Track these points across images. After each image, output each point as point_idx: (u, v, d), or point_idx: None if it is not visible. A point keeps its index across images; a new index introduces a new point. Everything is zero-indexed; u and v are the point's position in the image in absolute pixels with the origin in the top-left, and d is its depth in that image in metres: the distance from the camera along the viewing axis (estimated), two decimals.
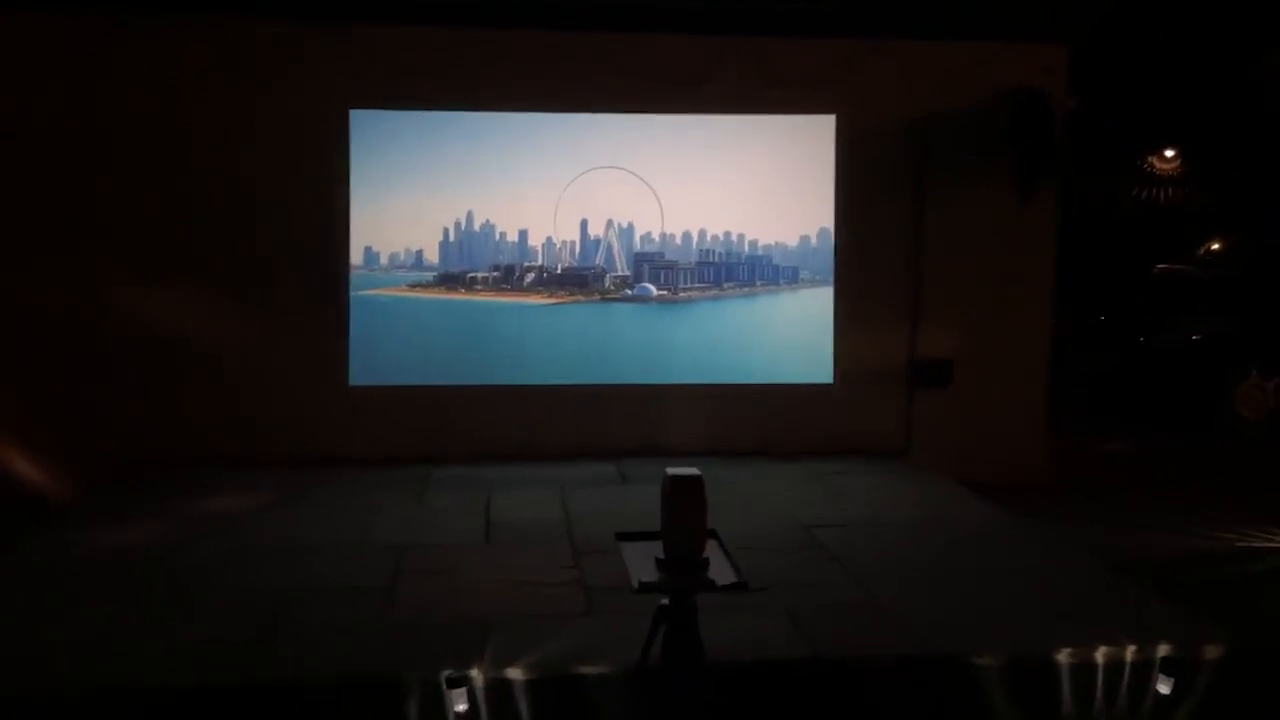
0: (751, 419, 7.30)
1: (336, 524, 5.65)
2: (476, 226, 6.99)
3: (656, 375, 7.19)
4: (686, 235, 7.22)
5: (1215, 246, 11.50)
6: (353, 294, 6.87)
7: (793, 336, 7.42)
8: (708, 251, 7.23)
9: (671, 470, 3.34)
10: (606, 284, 7.16)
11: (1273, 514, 6.63)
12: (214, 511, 5.89)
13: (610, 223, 7.12)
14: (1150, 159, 12.24)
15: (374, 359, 6.95)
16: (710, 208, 7.21)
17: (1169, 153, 12.27)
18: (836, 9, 7.01)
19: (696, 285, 7.24)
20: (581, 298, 7.16)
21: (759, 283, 7.31)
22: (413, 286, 6.95)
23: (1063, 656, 4.01)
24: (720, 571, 3.21)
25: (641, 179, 7.03)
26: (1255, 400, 9.18)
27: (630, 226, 7.16)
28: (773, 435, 7.30)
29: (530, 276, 7.03)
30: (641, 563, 3.28)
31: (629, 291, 7.19)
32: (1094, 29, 7.35)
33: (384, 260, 6.95)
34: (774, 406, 7.33)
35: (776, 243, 7.30)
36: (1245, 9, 11.08)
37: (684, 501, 3.18)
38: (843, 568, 4.98)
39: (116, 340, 6.72)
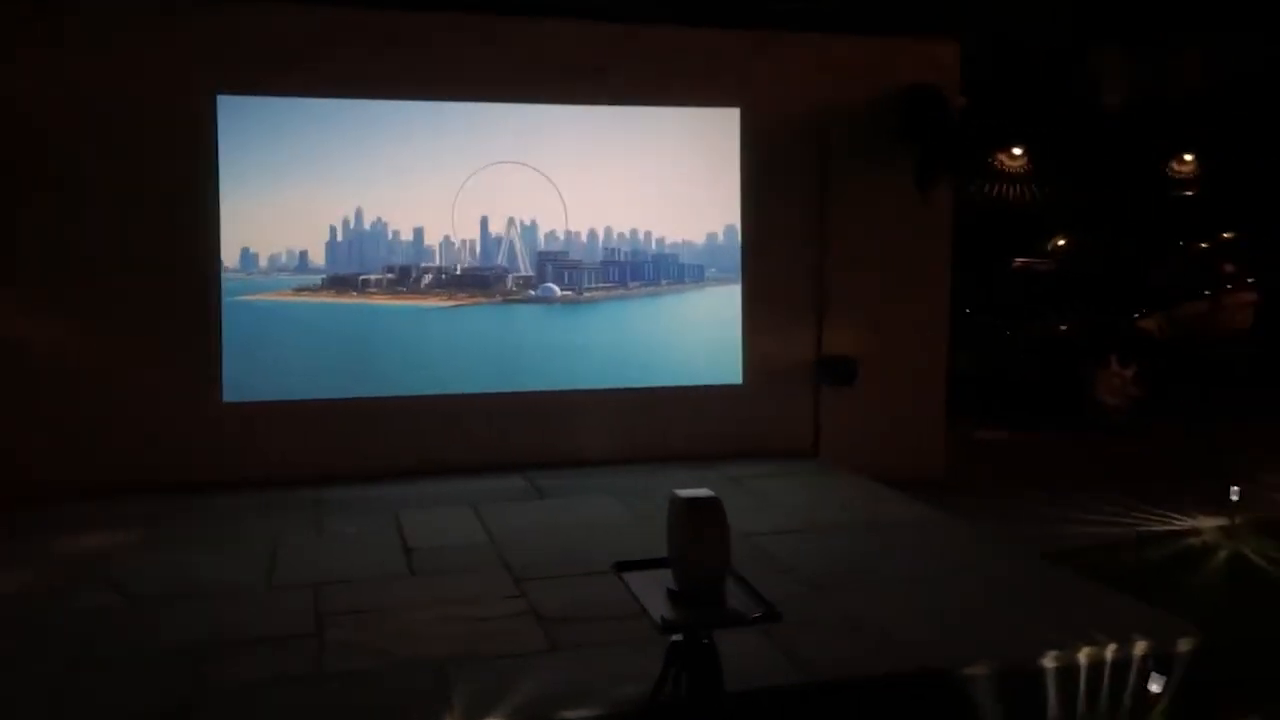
0: (661, 424, 7.04)
1: (233, 561, 5.02)
2: (367, 224, 6.41)
3: (562, 380, 6.82)
4: (591, 233, 6.87)
5: (1061, 243, 11.99)
6: (227, 300, 6.17)
7: (701, 337, 7.20)
8: (613, 250, 6.90)
9: (684, 492, 3.01)
10: (509, 285, 6.73)
11: (1161, 498, 6.86)
12: (85, 551, 5.15)
13: (512, 220, 6.69)
14: (1000, 156, 12.67)
15: (252, 372, 6.29)
16: (615, 204, 6.89)
17: (1016, 150, 12.73)
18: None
19: (602, 285, 6.91)
20: (483, 299, 6.70)
21: (665, 282, 7.04)
22: (298, 291, 6.31)
23: (1049, 661, 3.92)
24: (740, 600, 2.90)
25: (544, 174, 6.63)
26: (1115, 388, 9.60)
27: (533, 224, 6.74)
28: (682, 439, 7.05)
29: (428, 278, 6.52)
30: (651, 596, 2.93)
31: (532, 292, 6.79)
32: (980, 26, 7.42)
33: (263, 263, 6.28)
34: (683, 410, 7.08)
35: (684, 240, 7.05)
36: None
37: (702, 528, 2.87)
38: (800, 579, 4.77)
39: None
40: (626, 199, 6.89)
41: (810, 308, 7.31)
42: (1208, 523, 6.42)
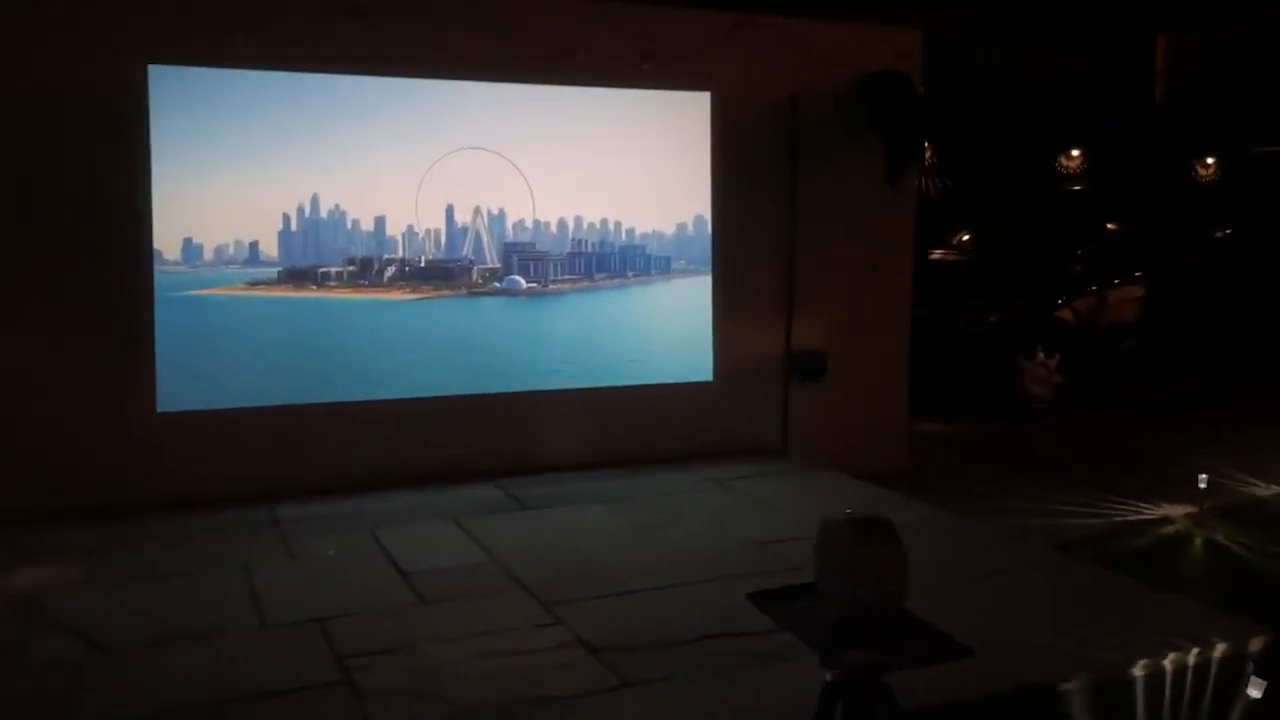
0: (630, 424, 6.66)
1: (208, 595, 4.40)
2: (324, 212, 5.78)
3: (528, 379, 6.37)
4: (561, 222, 6.43)
5: (967, 237, 12.21)
6: (171, 295, 5.44)
7: (670, 331, 6.86)
8: (581, 241, 6.48)
9: (849, 514, 2.68)
10: (474, 277, 6.22)
11: (1126, 488, 6.96)
12: (21, 591, 4.40)
13: (478, 209, 6.18)
14: None
15: (196, 376, 5.58)
16: (584, 192, 6.47)
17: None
18: None
19: (568, 277, 6.48)
20: (448, 292, 6.17)
21: (631, 274, 6.66)
22: (252, 285, 5.63)
23: (1139, 670, 3.79)
24: (913, 631, 2.60)
25: (511, 161, 6.15)
26: (1041, 377, 9.79)
27: (501, 213, 6.25)
28: (652, 439, 6.70)
29: (390, 270, 5.93)
30: (808, 632, 2.60)
31: (497, 284, 6.30)
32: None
33: (209, 254, 5.57)
34: (653, 409, 6.73)
35: (654, 230, 6.69)
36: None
37: (875, 554, 2.55)
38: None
39: None
40: (595, 186, 6.49)
41: (780, 300, 7.07)
42: (1177, 510, 6.54)
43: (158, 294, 5.48)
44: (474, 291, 6.25)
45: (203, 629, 4.03)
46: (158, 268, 5.48)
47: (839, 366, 7.17)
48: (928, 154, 13.12)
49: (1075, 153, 14.53)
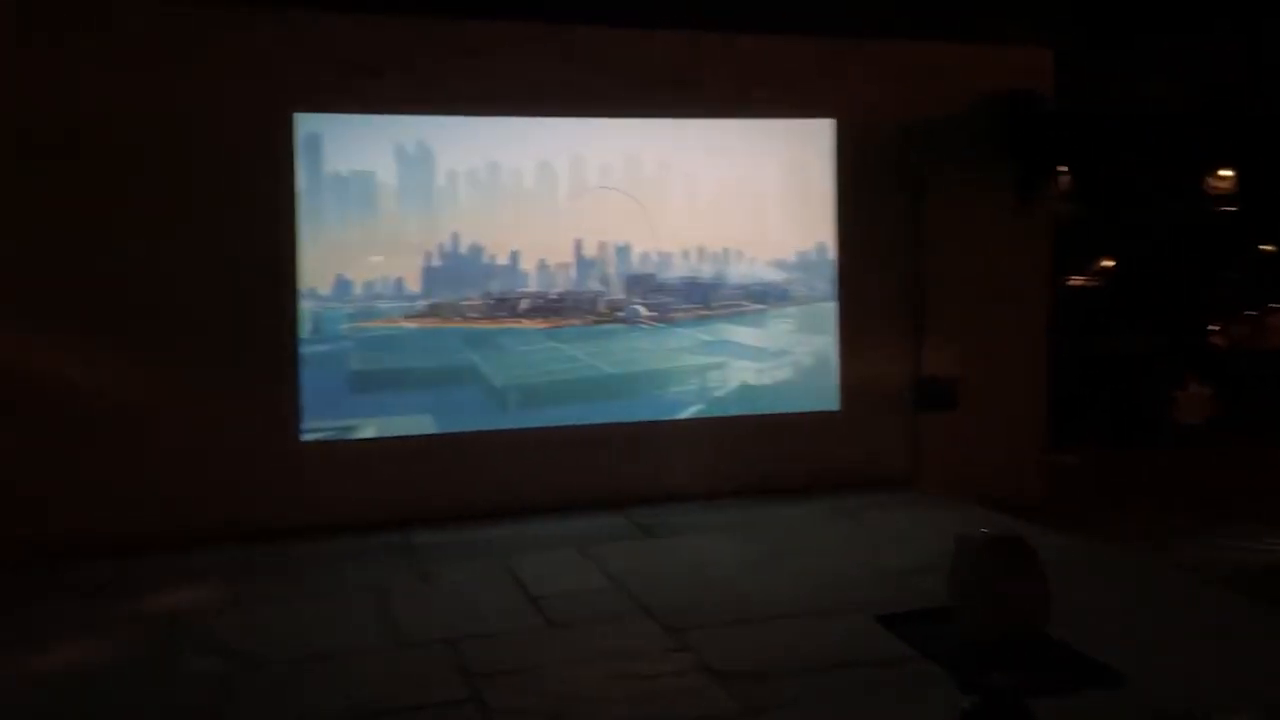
0: (756, 453, 6.61)
1: (344, 616, 4.53)
2: (463, 249, 5.99)
3: (653, 407, 6.39)
4: (684, 253, 6.47)
5: (1108, 263, 11.73)
6: (334, 329, 5.73)
7: (794, 359, 6.77)
8: (699, 270, 6.50)
9: (984, 532, 2.59)
10: (600, 307, 6.32)
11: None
12: (173, 611, 4.63)
13: (605, 245, 6.29)
14: None
15: (336, 406, 5.82)
16: (705, 220, 6.50)
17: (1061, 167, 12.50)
18: (822, 7, 6.49)
19: (688, 306, 6.51)
20: (576, 321, 6.28)
21: (753, 302, 6.64)
22: (407, 317, 5.90)
23: None
24: (1056, 657, 2.47)
25: (634, 198, 6.25)
26: (1193, 407, 9.29)
27: (626, 246, 6.34)
28: (776, 469, 6.62)
29: (525, 303, 6.09)
30: (944, 656, 2.50)
31: (620, 315, 6.37)
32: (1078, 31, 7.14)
33: (359, 289, 5.84)
34: (776, 438, 6.66)
35: (775, 258, 6.65)
36: None
37: (1013, 574, 2.44)
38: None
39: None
40: (716, 215, 6.51)
41: (907, 327, 6.92)
42: None
43: (314, 326, 5.75)
44: (600, 321, 6.33)
45: (340, 648, 4.15)
46: (314, 303, 5.76)
47: (971, 394, 6.97)
48: (1065, 177, 12.73)
49: (1226, 172, 13.81)
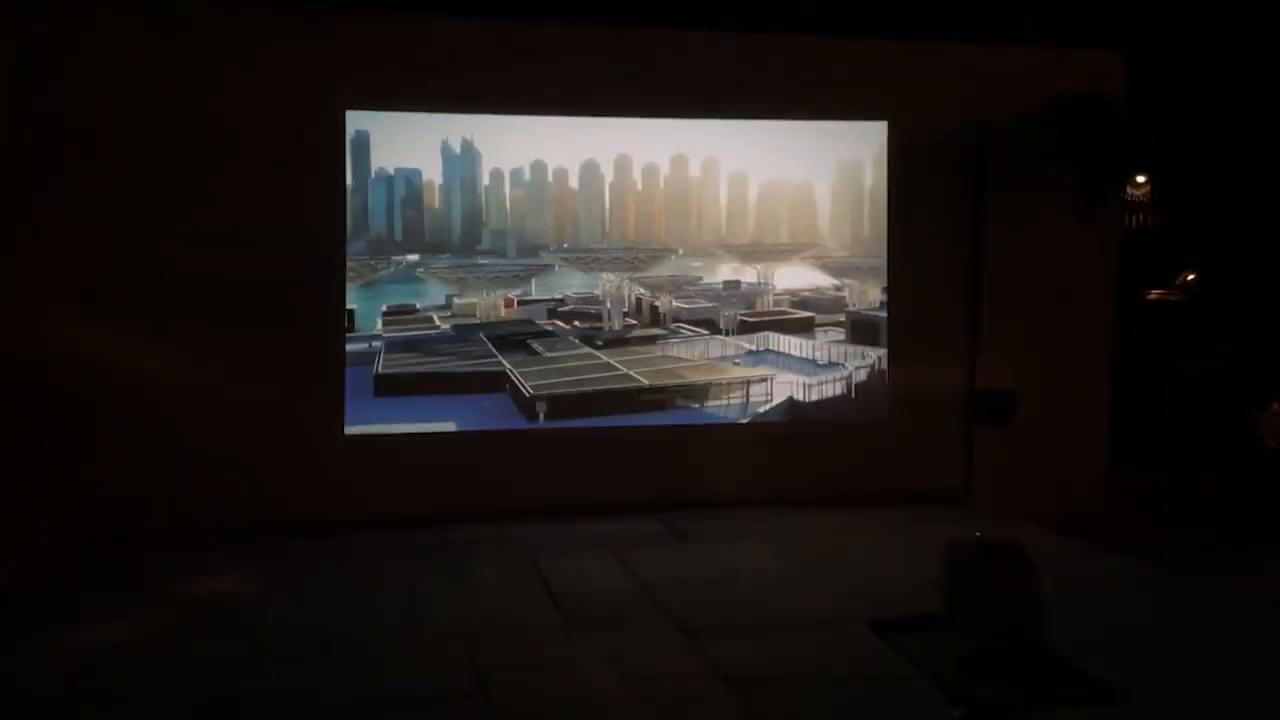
0: (798, 462, 6.47)
1: (369, 607, 4.57)
2: (507, 248, 6.04)
3: (688, 419, 6.34)
4: (723, 256, 6.41)
5: (1191, 276, 11.25)
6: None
7: (840, 370, 6.64)
8: (743, 277, 6.43)
9: (978, 537, 2.48)
10: (641, 316, 6.30)
11: None
12: (206, 596, 4.72)
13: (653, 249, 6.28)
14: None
15: (378, 402, 5.90)
16: (749, 224, 6.42)
17: (1140, 178, 12.06)
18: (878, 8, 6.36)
19: (729, 312, 6.43)
20: (613, 326, 6.27)
21: (798, 310, 6.54)
22: (441, 318, 5.98)
23: None
24: (1053, 671, 2.34)
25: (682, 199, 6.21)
26: (1276, 430, 8.83)
27: (673, 250, 6.32)
28: (821, 479, 6.47)
29: (566, 307, 6.11)
30: (932, 664, 2.39)
31: (666, 325, 6.35)
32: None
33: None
34: (822, 447, 6.53)
35: (825, 263, 6.54)
36: None
37: (1008, 581, 2.32)
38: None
39: (53, 387, 5.46)
40: (764, 218, 6.42)
41: (961, 338, 6.73)
42: None
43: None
44: (639, 329, 6.31)
45: (358, 638, 4.18)
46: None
47: (1031, 408, 6.70)
48: (1144, 187, 12.28)
49: None
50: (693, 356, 6.44)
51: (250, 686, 3.75)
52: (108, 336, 5.57)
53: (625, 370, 6.30)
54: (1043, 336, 6.82)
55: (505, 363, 6.13)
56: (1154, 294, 10.64)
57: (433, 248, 6.00)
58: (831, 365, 6.63)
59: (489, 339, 6.12)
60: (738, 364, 6.51)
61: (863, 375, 6.63)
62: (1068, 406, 6.89)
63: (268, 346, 5.82)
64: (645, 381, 6.28)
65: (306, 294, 5.87)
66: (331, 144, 5.82)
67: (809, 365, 6.63)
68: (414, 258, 5.97)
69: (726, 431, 6.48)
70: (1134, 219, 12.38)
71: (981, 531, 2.45)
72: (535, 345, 6.21)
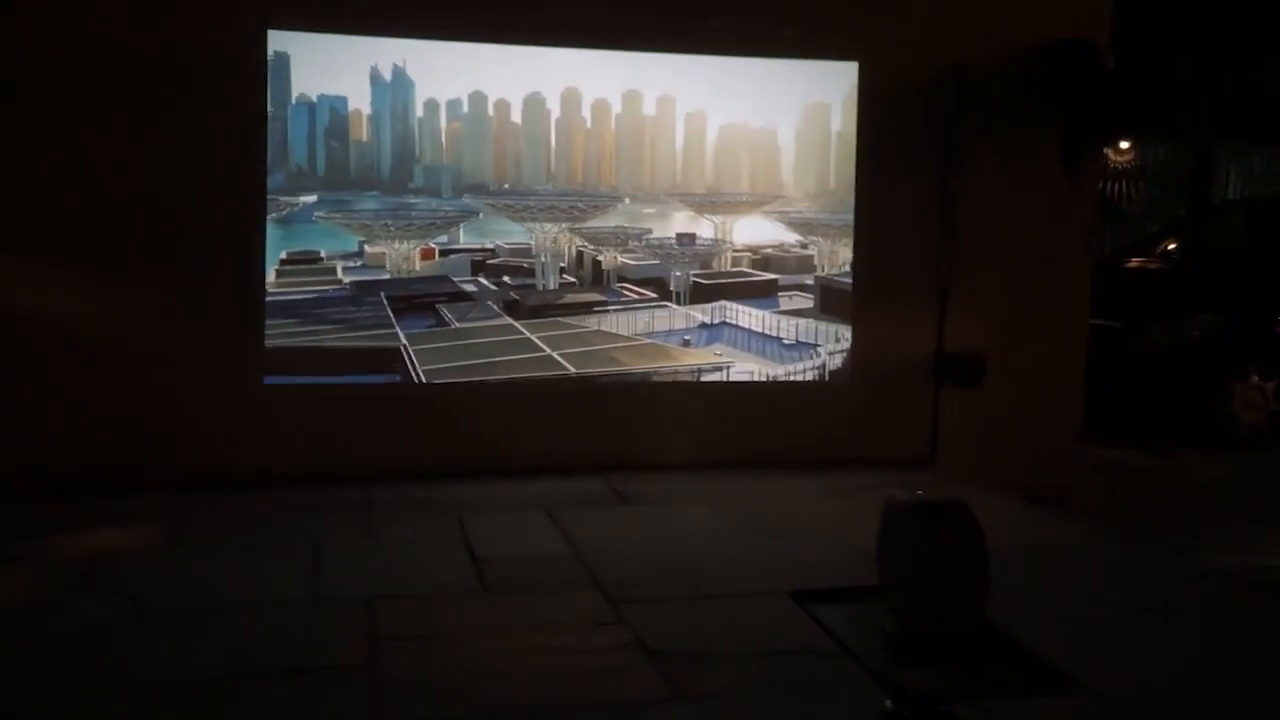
0: (752, 422, 6.09)
1: (268, 569, 4.16)
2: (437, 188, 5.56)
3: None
4: (674, 203, 5.99)
5: (1172, 246, 10.91)
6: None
7: (801, 326, 6.25)
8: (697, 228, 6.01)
9: (919, 494, 2.10)
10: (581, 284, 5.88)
11: None
12: (90, 553, 4.30)
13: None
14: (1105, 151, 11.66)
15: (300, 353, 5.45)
16: (705, 170, 6.00)
17: (1124, 144, 11.75)
18: None
19: (681, 270, 6.02)
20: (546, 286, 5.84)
21: (755, 269, 6.14)
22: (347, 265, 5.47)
23: None
24: (1002, 655, 1.98)
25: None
26: (1255, 404, 8.53)
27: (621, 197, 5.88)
28: (777, 441, 6.09)
29: (491, 260, 5.64)
30: (862, 642, 2.03)
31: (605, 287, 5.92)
32: None
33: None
34: (778, 407, 6.16)
35: (788, 211, 6.14)
36: None
37: (948, 546, 1.95)
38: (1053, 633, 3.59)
39: None
40: (722, 163, 6.00)
41: (930, 296, 6.34)
42: None
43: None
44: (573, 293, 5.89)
45: (249, 601, 3.79)
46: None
47: (1000, 372, 6.36)
48: (1126, 152, 11.94)
49: None
50: (635, 330, 6.00)
51: (121, 653, 3.35)
52: (5, 271, 5.12)
53: (549, 351, 5.80)
54: (1016, 298, 6.45)
55: (402, 335, 5.56)
56: (1134, 262, 10.33)
57: (358, 184, 5.52)
58: (800, 345, 6.22)
59: (389, 301, 5.49)
60: (687, 341, 6.08)
61: (837, 362, 6.23)
62: (1041, 373, 6.54)
63: (182, 283, 5.36)
64: (572, 369, 5.79)
65: (225, 227, 5.41)
66: (250, 64, 5.33)
67: (774, 345, 6.22)
68: (311, 199, 5.46)
69: (681, 388, 6.09)
70: (1115, 186, 12.06)
71: (924, 490, 2.06)
72: (445, 312, 5.56)
